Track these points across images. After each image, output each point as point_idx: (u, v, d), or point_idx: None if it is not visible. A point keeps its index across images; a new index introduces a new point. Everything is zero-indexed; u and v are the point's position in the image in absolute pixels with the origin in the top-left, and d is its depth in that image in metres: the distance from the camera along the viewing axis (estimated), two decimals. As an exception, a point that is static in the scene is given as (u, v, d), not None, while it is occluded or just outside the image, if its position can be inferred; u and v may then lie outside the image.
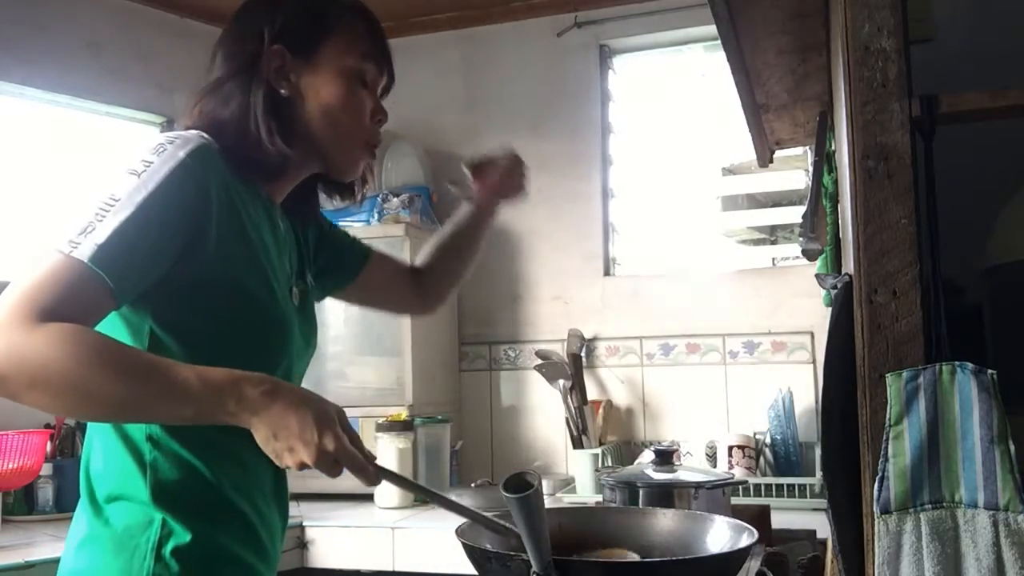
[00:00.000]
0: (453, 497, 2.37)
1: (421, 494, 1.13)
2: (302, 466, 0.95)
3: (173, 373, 0.93)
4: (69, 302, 0.92)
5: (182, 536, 1.02)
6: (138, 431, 1.04)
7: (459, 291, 2.97)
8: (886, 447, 1.04)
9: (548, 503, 1.27)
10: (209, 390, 0.92)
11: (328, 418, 0.96)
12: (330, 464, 0.95)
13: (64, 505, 2.27)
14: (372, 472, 0.99)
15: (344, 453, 0.96)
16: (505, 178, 1.51)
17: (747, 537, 1.08)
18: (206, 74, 1.17)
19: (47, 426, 2.28)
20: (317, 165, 1.20)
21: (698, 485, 1.55)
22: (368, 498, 2.46)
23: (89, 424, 1.09)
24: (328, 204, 1.34)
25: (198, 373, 0.93)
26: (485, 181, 1.49)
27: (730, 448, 2.48)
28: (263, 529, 1.12)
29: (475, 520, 1.08)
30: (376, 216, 2.74)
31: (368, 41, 1.21)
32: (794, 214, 2.65)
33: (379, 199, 2.75)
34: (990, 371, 1.01)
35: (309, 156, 1.17)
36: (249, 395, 0.93)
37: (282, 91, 1.13)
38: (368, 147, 1.22)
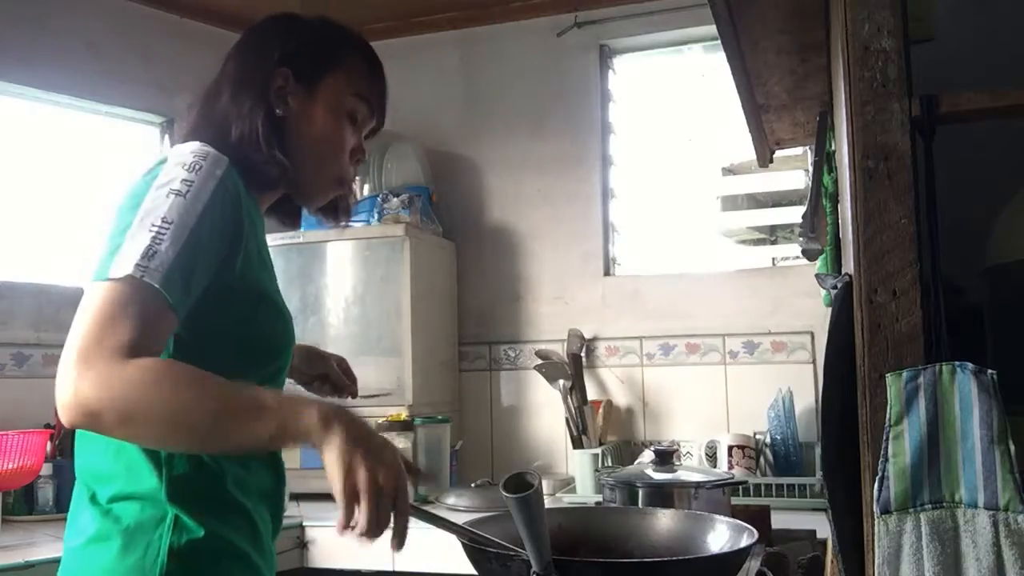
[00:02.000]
0: (453, 499, 2.37)
1: (449, 530, 1.05)
2: (371, 487, 0.92)
3: (253, 395, 0.95)
4: (149, 332, 0.94)
5: (195, 532, 1.03)
6: None
7: (459, 292, 3.00)
8: (886, 447, 1.04)
9: (548, 503, 1.27)
10: (287, 406, 0.94)
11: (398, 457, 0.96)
12: (391, 497, 0.93)
13: (64, 505, 2.24)
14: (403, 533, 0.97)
15: (404, 494, 0.94)
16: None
17: (747, 537, 1.08)
18: (216, 79, 1.22)
19: (47, 426, 2.28)
20: (286, 185, 1.23)
21: (698, 485, 1.55)
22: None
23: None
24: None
25: (274, 393, 0.98)
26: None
27: (730, 448, 2.48)
28: (263, 527, 1.14)
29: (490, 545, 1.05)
30: (376, 216, 2.74)
31: (367, 83, 1.26)
32: (794, 214, 2.65)
33: (379, 199, 2.75)
34: (990, 371, 1.01)
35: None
36: (325, 410, 0.94)
37: (278, 111, 1.18)
38: (340, 183, 1.26)
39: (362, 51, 1.27)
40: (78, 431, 1.09)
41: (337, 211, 1.32)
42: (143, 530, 1.02)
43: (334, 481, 0.92)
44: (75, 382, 0.90)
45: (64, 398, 0.90)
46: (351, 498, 0.92)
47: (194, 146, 1.08)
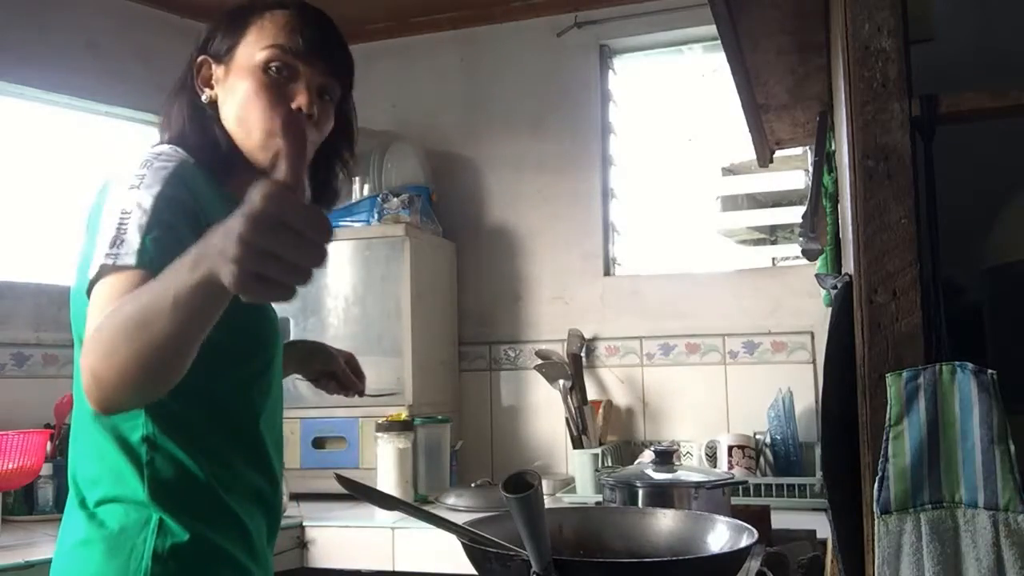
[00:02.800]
0: (453, 499, 2.38)
1: (449, 530, 1.05)
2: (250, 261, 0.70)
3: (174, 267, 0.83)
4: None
5: (180, 535, 1.03)
6: (134, 433, 1.05)
7: (459, 292, 3.01)
8: (886, 447, 1.04)
9: (548, 503, 1.27)
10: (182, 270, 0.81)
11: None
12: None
13: (64, 505, 2.26)
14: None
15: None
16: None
17: (747, 537, 1.08)
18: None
19: (47, 426, 2.28)
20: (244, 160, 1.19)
21: (698, 485, 1.55)
22: (368, 498, 2.46)
23: (74, 430, 1.11)
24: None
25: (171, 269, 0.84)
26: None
27: (730, 448, 2.48)
28: (255, 530, 1.13)
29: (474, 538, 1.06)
30: (376, 216, 2.74)
31: (279, 32, 1.16)
32: (794, 214, 2.65)
33: (379, 199, 2.75)
34: (990, 371, 1.01)
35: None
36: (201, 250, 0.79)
37: (203, 98, 1.19)
38: (270, 139, 1.14)
39: (271, 8, 1.19)
40: (73, 433, 1.10)
41: (324, 195, 1.29)
42: (127, 534, 1.02)
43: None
44: (83, 371, 0.92)
45: (83, 387, 0.92)
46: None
47: (155, 150, 1.12)
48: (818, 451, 2.26)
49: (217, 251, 0.72)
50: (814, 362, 2.63)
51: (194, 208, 1.06)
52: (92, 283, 0.98)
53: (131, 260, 0.96)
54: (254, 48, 1.16)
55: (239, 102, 1.16)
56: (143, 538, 1.02)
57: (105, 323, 0.90)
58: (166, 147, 1.12)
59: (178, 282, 0.80)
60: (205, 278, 0.77)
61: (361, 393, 1.45)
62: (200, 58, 1.20)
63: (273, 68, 1.15)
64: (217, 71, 1.19)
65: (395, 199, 2.75)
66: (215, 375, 1.07)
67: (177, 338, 0.85)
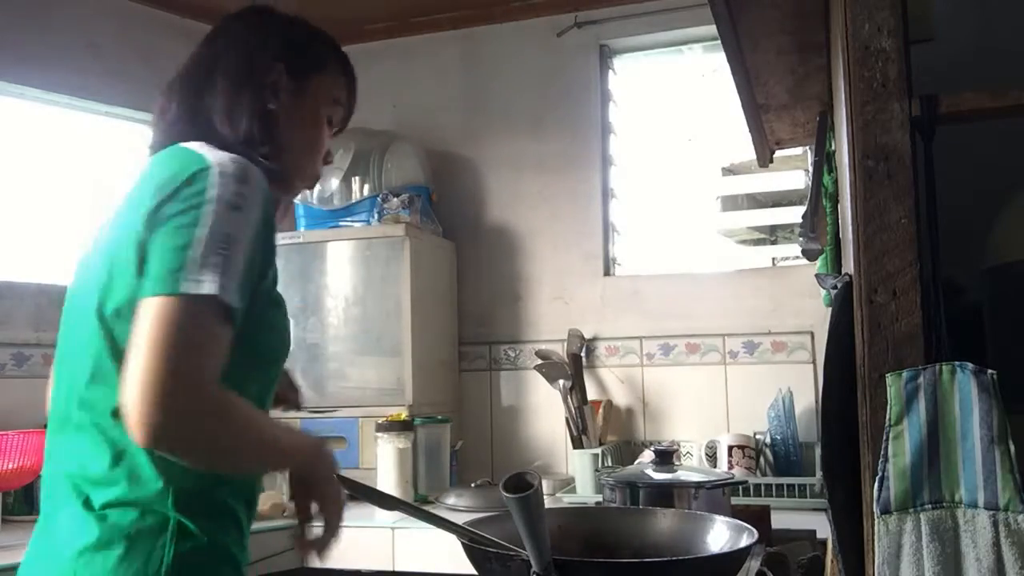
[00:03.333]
0: (453, 499, 2.38)
1: (449, 530, 1.09)
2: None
3: (277, 435, 1.08)
4: (223, 352, 0.97)
5: (198, 539, 1.04)
6: None
7: (459, 292, 3.01)
8: (886, 447, 1.04)
9: (548, 503, 1.27)
10: (295, 450, 1.11)
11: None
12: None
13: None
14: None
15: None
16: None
17: (747, 537, 1.08)
18: (197, 69, 1.19)
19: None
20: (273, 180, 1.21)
21: (698, 485, 1.55)
22: (368, 498, 2.46)
23: (75, 429, 1.08)
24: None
25: (286, 434, 1.11)
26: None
27: (730, 448, 2.48)
28: (245, 526, 1.15)
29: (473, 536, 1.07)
30: (376, 216, 2.74)
31: (344, 90, 1.30)
32: (794, 214, 2.65)
33: (379, 199, 2.75)
34: (990, 371, 1.01)
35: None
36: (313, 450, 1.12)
37: (271, 106, 1.18)
38: (313, 180, 1.31)
39: (342, 58, 1.30)
40: (74, 433, 1.08)
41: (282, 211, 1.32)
42: (144, 537, 1.01)
43: (335, 505, 1.14)
44: (164, 405, 0.90)
45: (152, 419, 0.90)
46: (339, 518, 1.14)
47: (234, 157, 1.07)
48: (818, 451, 2.26)
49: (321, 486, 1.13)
50: (814, 362, 2.63)
51: (274, 231, 1.10)
52: (174, 288, 0.95)
53: (234, 301, 0.96)
54: (328, 91, 1.26)
55: (304, 133, 1.23)
56: (162, 542, 1.01)
57: (244, 416, 1.00)
58: (244, 161, 1.08)
59: (281, 458, 1.11)
60: (287, 463, 1.13)
61: (298, 407, 1.44)
62: (277, 64, 1.20)
63: (333, 121, 1.29)
64: (288, 84, 1.21)
65: (395, 199, 2.75)
66: (249, 377, 1.10)
67: (252, 468, 1.14)
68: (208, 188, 1.01)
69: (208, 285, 0.95)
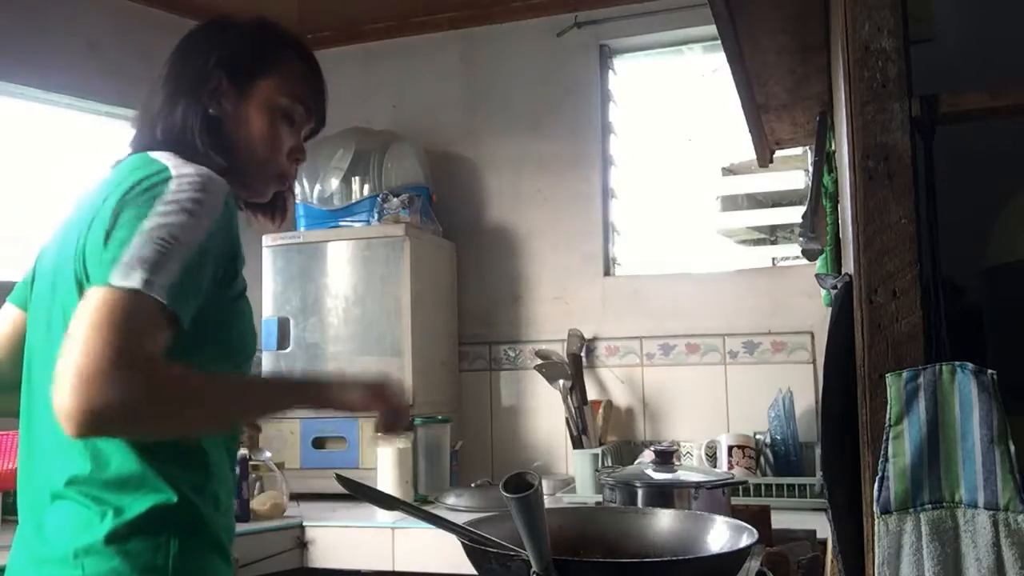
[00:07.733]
0: (453, 499, 2.38)
1: (449, 530, 1.08)
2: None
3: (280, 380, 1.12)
4: (155, 342, 0.96)
5: (204, 531, 1.07)
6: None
7: (459, 292, 3.01)
8: (886, 447, 1.04)
9: (548, 503, 1.27)
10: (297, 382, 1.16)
11: None
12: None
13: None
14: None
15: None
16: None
17: (747, 537, 1.08)
18: (151, 86, 1.29)
19: (47, 426, 2.28)
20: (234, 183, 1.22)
21: (698, 485, 1.55)
22: (368, 498, 2.46)
23: (52, 432, 1.06)
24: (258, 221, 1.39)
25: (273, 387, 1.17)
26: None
27: (730, 448, 2.48)
28: (229, 518, 1.17)
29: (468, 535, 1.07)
30: (376, 216, 2.74)
31: (302, 85, 1.29)
32: (794, 214, 2.65)
33: (379, 199, 2.75)
34: (990, 371, 1.01)
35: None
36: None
37: (211, 111, 1.21)
38: (280, 179, 1.30)
39: (298, 53, 1.29)
40: (58, 436, 1.05)
41: (275, 209, 1.35)
42: (156, 532, 1.03)
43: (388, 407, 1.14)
44: (100, 389, 0.89)
45: (89, 403, 0.89)
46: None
47: (199, 168, 1.10)
48: (818, 451, 2.26)
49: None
50: (814, 362, 2.63)
51: (235, 239, 1.10)
52: (106, 280, 0.96)
53: (163, 297, 0.96)
54: (278, 89, 1.25)
55: (253, 135, 1.24)
56: (166, 537, 1.03)
57: (198, 386, 1.01)
58: (207, 171, 1.10)
59: (278, 402, 1.13)
60: (309, 403, 1.14)
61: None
62: (215, 71, 1.22)
63: (295, 119, 1.27)
64: (229, 90, 1.23)
65: (395, 199, 2.75)
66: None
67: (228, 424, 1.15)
68: (165, 193, 1.04)
69: (135, 279, 0.96)
